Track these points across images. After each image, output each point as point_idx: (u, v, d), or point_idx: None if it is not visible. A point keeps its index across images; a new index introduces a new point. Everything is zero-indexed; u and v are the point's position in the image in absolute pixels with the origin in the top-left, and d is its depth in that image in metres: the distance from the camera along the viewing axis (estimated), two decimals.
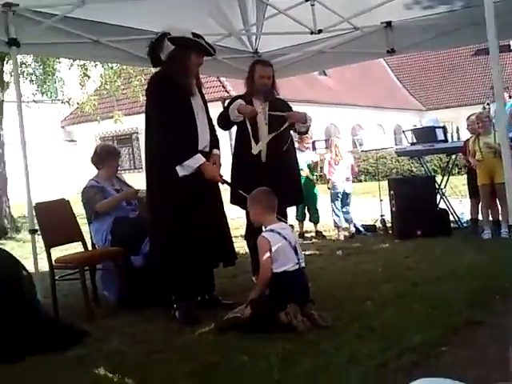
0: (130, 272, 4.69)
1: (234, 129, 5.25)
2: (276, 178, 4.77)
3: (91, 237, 5.10)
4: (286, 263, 3.88)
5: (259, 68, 5.12)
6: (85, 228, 5.19)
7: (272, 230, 3.95)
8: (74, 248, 5.74)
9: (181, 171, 4.10)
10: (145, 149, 4.36)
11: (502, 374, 1.79)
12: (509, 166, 3.26)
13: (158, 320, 4.23)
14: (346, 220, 8.07)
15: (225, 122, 5.06)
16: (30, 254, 4.94)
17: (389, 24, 6.11)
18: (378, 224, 8.27)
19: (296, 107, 5.37)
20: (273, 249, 3.85)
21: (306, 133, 5.52)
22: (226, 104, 5.22)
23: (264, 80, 5.09)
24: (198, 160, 4.14)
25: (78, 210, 5.21)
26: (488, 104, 8.20)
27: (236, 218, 10.81)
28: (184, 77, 4.21)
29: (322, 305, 4.04)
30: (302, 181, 7.25)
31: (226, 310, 4.01)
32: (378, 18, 5.98)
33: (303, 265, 4.00)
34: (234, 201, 4.98)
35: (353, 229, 8.04)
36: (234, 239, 4.88)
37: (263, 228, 4.10)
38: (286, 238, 3.91)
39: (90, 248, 5.12)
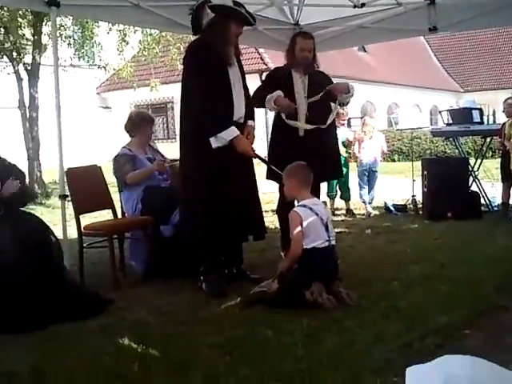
0: (159, 242, 4.69)
1: None
2: (313, 153, 4.70)
3: (121, 205, 5.10)
4: (316, 239, 3.84)
5: (300, 40, 5.03)
6: (115, 196, 5.21)
7: (304, 206, 3.91)
8: (104, 216, 5.79)
9: (214, 143, 4.07)
10: (180, 118, 4.33)
11: None
12: None
13: (184, 291, 4.24)
14: (364, 201, 8.11)
15: (261, 103, 4.92)
16: (60, 220, 4.98)
17: (432, 1, 5.97)
18: (409, 204, 8.22)
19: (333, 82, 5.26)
20: (304, 224, 3.82)
21: (346, 104, 5.41)
22: (263, 77, 5.16)
23: (305, 53, 4.99)
24: (231, 132, 4.09)
25: (110, 178, 5.21)
26: None
27: (268, 193, 10.81)
28: (222, 45, 4.16)
29: (349, 283, 4.03)
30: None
31: (253, 285, 4.01)
32: None
33: (333, 242, 3.97)
34: (269, 176, 4.92)
35: (370, 210, 8.02)
36: (264, 213, 4.86)
37: (296, 203, 4.07)
38: (317, 214, 3.87)
39: (119, 216, 5.14)
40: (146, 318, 3.68)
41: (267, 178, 4.99)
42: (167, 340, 3.24)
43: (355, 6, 5.50)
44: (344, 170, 7.89)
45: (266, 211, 8.02)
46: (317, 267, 3.81)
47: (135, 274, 4.84)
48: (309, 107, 4.94)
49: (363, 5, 5.50)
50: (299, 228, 3.82)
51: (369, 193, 8.16)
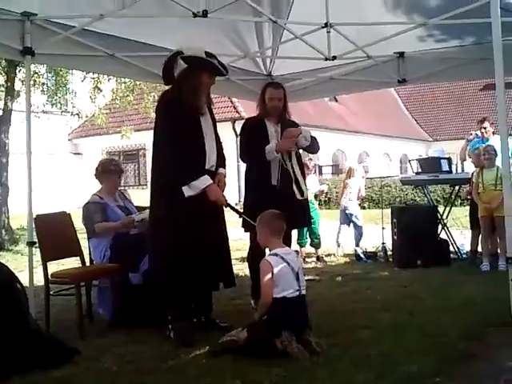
0: (127, 290, 4.64)
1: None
2: (285, 201, 4.81)
3: (90, 252, 5.05)
4: (286, 288, 3.81)
5: (270, 90, 5.15)
6: (84, 242, 5.15)
7: (276, 254, 3.90)
8: (72, 263, 5.71)
9: (187, 191, 4.08)
10: (152, 166, 4.35)
11: None
12: (509, 199, 3.27)
13: (152, 340, 4.16)
14: (339, 244, 8.46)
15: (260, 156, 4.99)
16: (26, 266, 4.90)
17: (401, 54, 6.18)
18: (379, 251, 8.28)
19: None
20: (275, 272, 3.80)
21: (313, 152, 5.48)
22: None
23: (275, 102, 5.10)
24: (205, 181, 4.11)
25: (79, 224, 5.16)
26: (472, 135, 8.37)
27: (238, 239, 10.75)
28: (194, 96, 4.20)
29: (318, 331, 3.99)
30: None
31: (222, 333, 3.94)
32: (391, 48, 6.04)
33: (304, 292, 3.93)
34: (244, 225, 4.98)
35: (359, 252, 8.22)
36: (234, 261, 4.86)
37: (267, 251, 4.07)
38: (289, 264, 3.86)
39: (87, 263, 5.08)
40: (111, 367, 3.59)
41: (243, 226, 5.02)
42: None
43: (326, 59, 5.62)
44: (314, 217, 7.98)
45: (236, 259, 8.05)
46: (287, 316, 3.77)
47: (102, 322, 4.75)
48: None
49: (334, 57, 5.62)
50: (269, 276, 3.80)
51: (359, 235, 8.39)
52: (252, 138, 5.11)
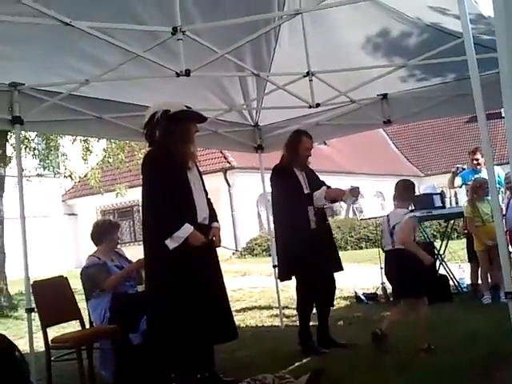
0: (128, 350, 4.59)
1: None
2: (327, 246, 5.31)
3: (89, 314, 5.02)
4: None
5: (306, 140, 5.42)
6: (83, 304, 5.12)
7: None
8: (72, 325, 5.66)
9: (171, 244, 4.05)
10: (142, 225, 4.39)
11: None
12: (501, 233, 3.30)
13: None
14: None
15: (309, 203, 5.26)
16: (26, 332, 4.86)
17: (385, 96, 6.27)
18: (379, 292, 8.23)
19: None
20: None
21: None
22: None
23: (309, 152, 5.44)
24: (186, 229, 4.07)
25: (77, 285, 5.15)
26: (458, 169, 8.42)
27: (237, 290, 10.69)
28: (186, 146, 4.26)
29: (324, 378, 3.94)
30: None
31: None
32: (374, 91, 6.14)
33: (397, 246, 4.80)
34: (282, 276, 5.43)
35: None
36: (235, 312, 4.83)
37: None
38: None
39: (87, 326, 5.05)
40: None
41: (280, 279, 5.50)
42: None
43: (311, 107, 5.73)
44: None
45: (236, 310, 8.00)
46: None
47: None
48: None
49: (318, 105, 5.71)
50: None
51: None
52: (288, 184, 5.30)
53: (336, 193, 5.43)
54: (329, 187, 5.51)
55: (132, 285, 5.04)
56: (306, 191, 5.34)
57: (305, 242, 5.10)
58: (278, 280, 5.62)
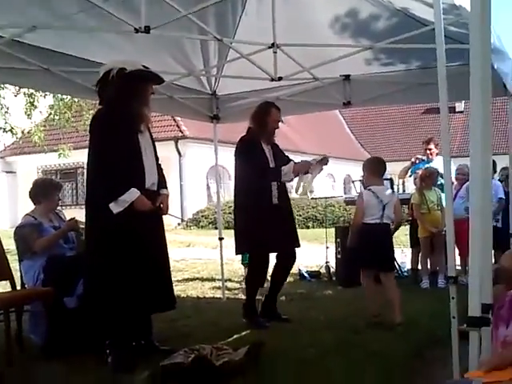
0: (62, 314, 4.39)
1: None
2: (286, 219, 5.28)
3: (21, 275, 4.79)
4: (368, 216, 5.09)
5: (274, 112, 5.29)
6: (14, 265, 4.86)
7: (369, 189, 5.13)
8: (2, 287, 5.41)
9: (115, 208, 3.87)
10: (86, 186, 4.19)
11: None
12: (451, 220, 3.35)
13: (88, 367, 3.93)
14: None
15: (277, 177, 5.21)
16: None
17: (347, 77, 6.19)
18: (323, 270, 8.35)
19: None
20: (364, 203, 5.09)
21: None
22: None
23: (277, 124, 5.32)
24: (132, 194, 3.90)
25: (10, 245, 4.91)
26: (418, 159, 8.56)
27: (180, 260, 10.60)
28: (140, 107, 4.07)
29: (263, 351, 3.94)
30: None
31: (163, 357, 3.78)
32: (338, 71, 6.04)
33: (386, 221, 5.09)
34: (239, 249, 5.37)
35: None
36: (176, 282, 4.72)
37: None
38: (378, 197, 5.07)
39: (19, 287, 4.79)
40: None
41: (236, 251, 5.37)
42: None
43: (272, 80, 5.60)
44: None
45: (178, 280, 7.90)
46: (367, 240, 5.04)
47: (35, 349, 4.47)
48: None
49: (280, 78, 5.60)
50: (361, 206, 5.12)
51: None
52: (254, 158, 5.17)
53: (303, 167, 5.36)
54: (295, 163, 5.44)
55: (71, 247, 4.83)
56: (271, 165, 5.26)
57: (266, 217, 5.06)
58: (235, 254, 5.51)
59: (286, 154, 5.58)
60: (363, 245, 5.10)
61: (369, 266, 5.23)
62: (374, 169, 5.31)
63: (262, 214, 5.08)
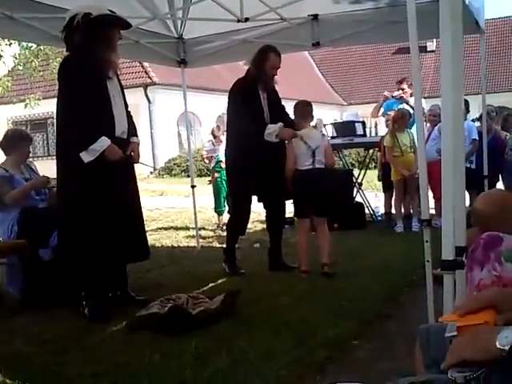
0: (37, 266, 4.41)
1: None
2: (273, 172, 5.01)
3: None
4: (301, 164, 4.96)
5: (273, 57, 5.07)
6: None
7: (300, 138, 4.97)
8: None
9: (86, 157, 3.84)
10: (56, 136, 4.13)
11: (408, 365, 1.83)
12: (423, 163, 3.30)
13: (66, 318, 3.97)
14: None
15: (259, 135, 4.96)
16: None
17: (315, 17, 6.09)
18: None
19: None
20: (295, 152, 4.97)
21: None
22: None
23: (275, 71, 5.11)
24: (102, 142, 3.86)
25: None
26: (388, 97, 8.49)
27: (154, 210, 10.60)
28: (107, 53, 3.99)
29: (239, 299, 3.99)
30: (222, 172, 7.28)
31: (139, 307, 3.84)
32: (305, 11, 5.95)
33: (318, 165, 4.97)
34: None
35: None
36: (150, 232, 4.73)
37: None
38: (306, 143, 4.95)
39: None
40: (23, 348, 3.41)
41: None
42: (47, 371, 3.02)
43: (239, 21, 5.50)
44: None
45: (152, 229, 7.92)
46: (300, 185, 4.94)
47: (12, 302, 4.49)
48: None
49: (247, 19, 5.51)
50: (291, 154, 4.99)
51: None
52: (247, 105, 4.99)
53: (289, 134, 5.04)
54: (287, 116, 5.32)
55: (43, 199, 4.80)
56: (265, 115, 5.11)
57: (252, 165, 4.97)
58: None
59: (282, 104, 5.45)
60: (297, 193, 5.07)
61: (301, 215, 5.22)
62: (302, 112, 5.16)
63: (248, 162, 5.00)
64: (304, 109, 5.17)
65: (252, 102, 5.04)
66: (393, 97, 8.29)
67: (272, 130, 4.95)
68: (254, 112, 5.01)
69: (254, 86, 5.10)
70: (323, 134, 5.11)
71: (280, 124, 5.01)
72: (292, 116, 5.23)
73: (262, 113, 5.09)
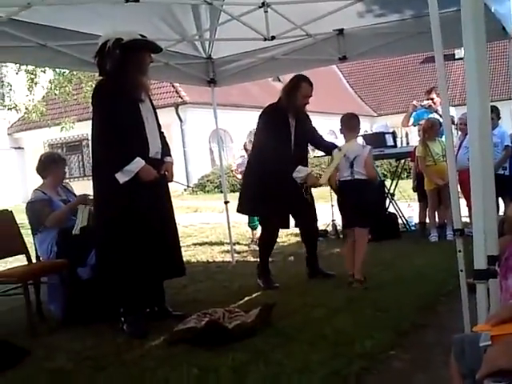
0: (77, 285, 4.53)
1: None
2: (297, 197, 5.15)
3: (36, 249, 4.91)
4: (341, 175, 5.06)
5: (306, 87, 5.21)
6: (29, 239, 4.99)
7: (340, 149, 5.13)
8: (21, 260, 5.54)
9: (121, 178, 3.96)
10: (92, 157, 4.26)
11: (445, 375, 1.84)
12: (453, 172, 3.33)
13: (105, 334, 4.07)
14: None
15: (289, 168, 5.14)
16: None
17: (341, 31, 6.12)
18: (330, 229, 8.37)
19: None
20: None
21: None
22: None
23: (307, 100, 5.23)
24: (137, 164, 3.98)
25: (23, 219, 5.01)
26: (416, 106, 8.44)
27: (188, 226, 10.69)
28: (139, 77, 4.11)
29: (275, 312, 4.02)
30: None
31: (177, 322, 3.92)
32: (331, 26, 5.98)
33: (357, 176, 4.99)
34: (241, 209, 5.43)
35: None
36: (185, 248, 4.81)
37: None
38: (345, 155, 5.03)
39: (34, 260, 4.92)
40: (66, 365, 3.50)
41: (237, 211, 5.45)
42: None
43: (265, 39, 5.57)
44: None
45: (187, 245, 8.01)
46: (342, 195, 5.14)
47: (54, 320, 4.62)
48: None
49: (273, 37, 5.57)
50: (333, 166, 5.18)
51: None
52: (276, 132, 5.13)
53: (313, 183, 5.27)
54: (322, 139, 5.60)
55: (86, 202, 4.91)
56: (291, 144, 5.21)
57: (282, 186, 5.09)
58: (239, 213, 5.64)
59: (314, 127, 5.61)
60: (340, 204, 5.21)
61: (346, 225, 5.33)
62: (348, 124, 5.25)
63: (279, 184, 5.09)
64: (350, 121, 5.26)
65: (281, 129, 5.16)
66: (422, 106, 8.25)
67: (300, 175, 5.11)
68: (281, 140, 5.13)
69: (285, 113, 5.21)
70: (364, 145, 5.08)
71: (309, 170, 5.26)
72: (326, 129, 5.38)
73: (289, 143, 5.20)
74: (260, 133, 5.35)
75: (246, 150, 8.41)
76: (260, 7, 5.10)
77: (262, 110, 5.44)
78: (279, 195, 5.08)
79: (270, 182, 5.11)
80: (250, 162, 5.58)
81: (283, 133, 5.16)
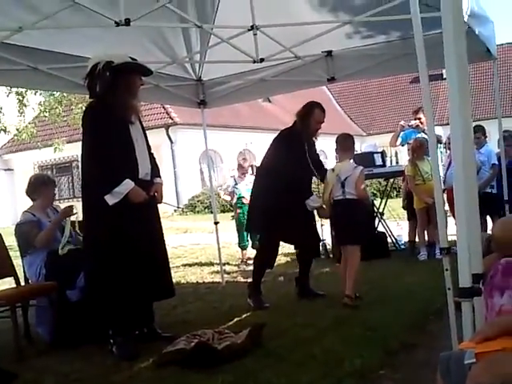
0: (66, 307, 4.51)
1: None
2: (307, 215, 5.37)
3: (24, 271, 4.89)
4: (334, 194, 5.15)
5: (318, 113, 5.46)
6: (17, 261, 4.97)
7: (332, 170, 5.26)
8: (8, 283, 5.52)
9: (110, 199, 3.97)
10: (81, 179, 4.26)
11: None
12: (439, 191, 3.36)
13: (94, 357, 4.05)
14: None
15: (305, 193, 5.39)
16: None
17: (329, 53, 6.20)
18: (320, 248, 8.33)
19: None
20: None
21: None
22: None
23: (319, 126, 5.45)
24: (126, 185, 3.99)
25: (12, 242, 5.00)
26: (404, 126, 8.52)
27: (178, 247, 10.66)
28: (129, 100, 4.14)
29: (265, 333, 4.02)
30: (244, 208, 7.36)
31: (166, 343, 3.91)
32: (319, 48, 6.05)
33: (348, 196, 5.07)
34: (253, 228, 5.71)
35: None
36: (175, 269, 4.81)
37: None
38: (337, 175, 5.14)
39: (22, 283, 4.90)
40: None
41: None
42: None
43: (255, 62, 5.62)
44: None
45: (176, 266, 8.00)
46: (335, 214, 5.27)
47: (42, 343, 4.59)
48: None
49: (262, 60, 5.61)
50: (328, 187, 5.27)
51: None
52: (293, 153, 5.27)
53: (324, 216, 5.62)
54: (320, 162, 5.87)
55: (69, 241, 4.91)
56: (309, 162, 5.40)
57: (289, 207, 5.18)
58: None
59: (317, 153, 5.85)
60: (332, 222, 5.40)
61: (338, 243, 5.46)
62: (343, 145, 5.36)
63: (285, 203, 5.16)
64: (345, 142, 5.39)
65: (299, 153, 5.32)
66: (409, 126, 8.33)
67: (313, 205, 5.32)
68: (301, 164, 5.31)
69: (300, 138, 5.39)
70: (356, 166, 5.20)
71: (321, 202, 5.40)
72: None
73: (306, 161, 5.37)
74: (278, 155, 5.41)
75: (240, 166, 8.42)
76: (249, 30, 5.14)
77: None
78: (292, 214, 5.19)
79: (286, 201, 5.17)
80: (259, 181, 5.66)
81: (302, 157, 5.34)
